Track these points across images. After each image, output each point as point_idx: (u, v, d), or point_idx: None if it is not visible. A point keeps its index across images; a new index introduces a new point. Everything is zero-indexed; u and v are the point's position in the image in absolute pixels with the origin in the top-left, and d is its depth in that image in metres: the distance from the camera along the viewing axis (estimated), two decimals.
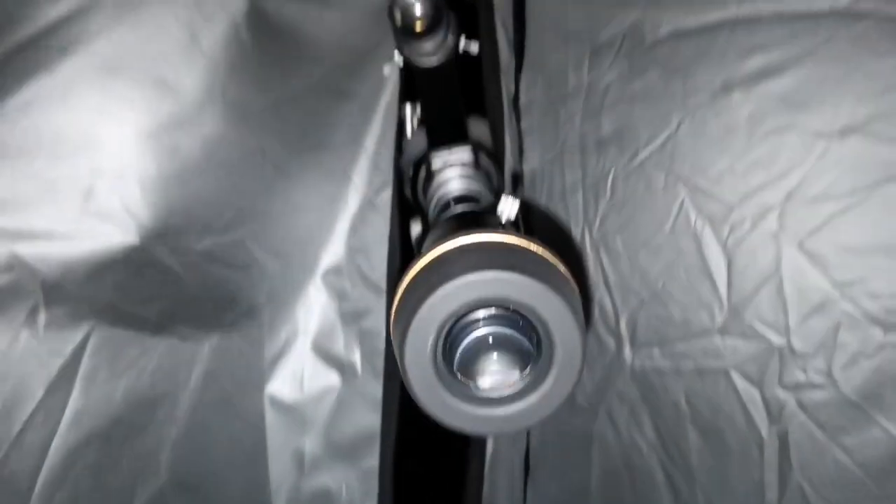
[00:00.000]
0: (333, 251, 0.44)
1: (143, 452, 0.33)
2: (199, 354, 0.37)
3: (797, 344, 0.34)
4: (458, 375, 0.24)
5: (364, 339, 0.45)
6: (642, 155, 0.39)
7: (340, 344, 0.45)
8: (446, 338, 0.23)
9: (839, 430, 0.33)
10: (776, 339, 0.34)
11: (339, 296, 0.44)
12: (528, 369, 0.24)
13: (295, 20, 0.36)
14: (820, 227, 0.32)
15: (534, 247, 0.25)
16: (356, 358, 0.45)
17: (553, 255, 0.25)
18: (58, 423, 0.30)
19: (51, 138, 0.29)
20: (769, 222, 0.33)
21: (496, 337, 0.23)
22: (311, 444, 0.43)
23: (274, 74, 0.37)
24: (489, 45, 0.42)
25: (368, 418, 0.45)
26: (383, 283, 0.45)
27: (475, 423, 0.24)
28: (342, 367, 0.45)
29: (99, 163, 0.30)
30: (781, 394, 0.34)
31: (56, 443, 0.30)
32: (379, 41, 0.39)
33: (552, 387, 0.24)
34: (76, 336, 0.31)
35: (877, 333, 0.31)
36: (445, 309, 0.22)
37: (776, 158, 0.33)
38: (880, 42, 0.29)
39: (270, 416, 0.42)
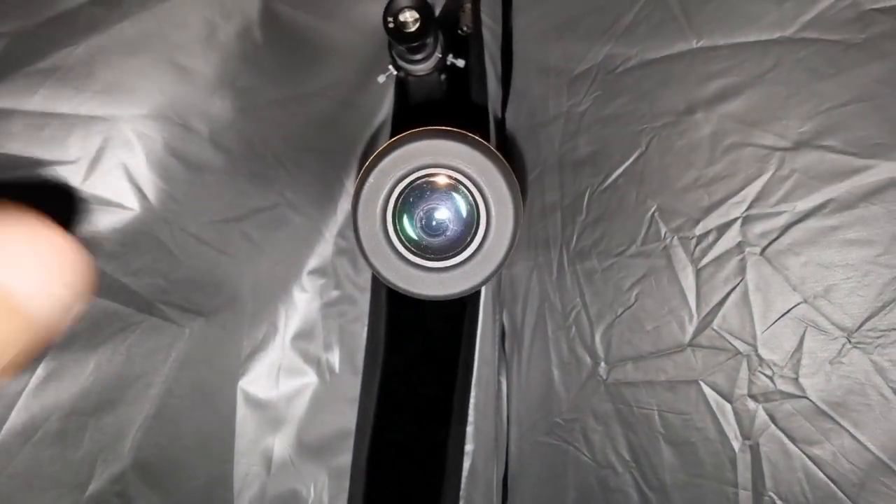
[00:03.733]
0: (320, 252, 0.45)
1: (109, 431, 0.33)
2: (179, 338, 0.37)
3: (764, 353, 0.34)
4: (407, 242, 0.26)
5: (345, 337, 0.46)
6: (615, 174, 0.41)
7: (320, 341, 0.45)
8: (395, 207, 0.26)
9: (810, 442, 0.32)
10: (743, 349, 0.34)
11: (323, 295, 0.45)
12: (466, 231, 0.27)
13: (304, 28, 0.40)
14: (780, 235, 0.33)
15: (472, 135, 0.27)
16: (335, 356, 0.45)
17: (500, 144, 0.28)
18: (23, 386, 0.30)
19: (67, 105, 0.31)
20: (733, 232, 0.35)
21: (437, 196, 0.26)
22: (280, 443, 0.42)
23: (282, 74, 0.40)
24: (478, 69, 0.46)
25: (343, 417, 0.44)
26: (367, 284, 0.46)
27: (419, 284, 0.25)
28: (320, 365, 0.45)
29: (109, 132, 0.32)
30: (751, 405, 0.34)
31: (20, 405, 0.29)
32: (380, 59, 0.43)
33: (488, 250, 0.26)
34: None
35: (841, 339, 0.31)
36: (392, 172, 0.25)
37: (736, 172, 0.35)
38: (822, 66, 0.32)
39: (242, 412, 0.41)
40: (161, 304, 0.36)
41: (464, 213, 0.26)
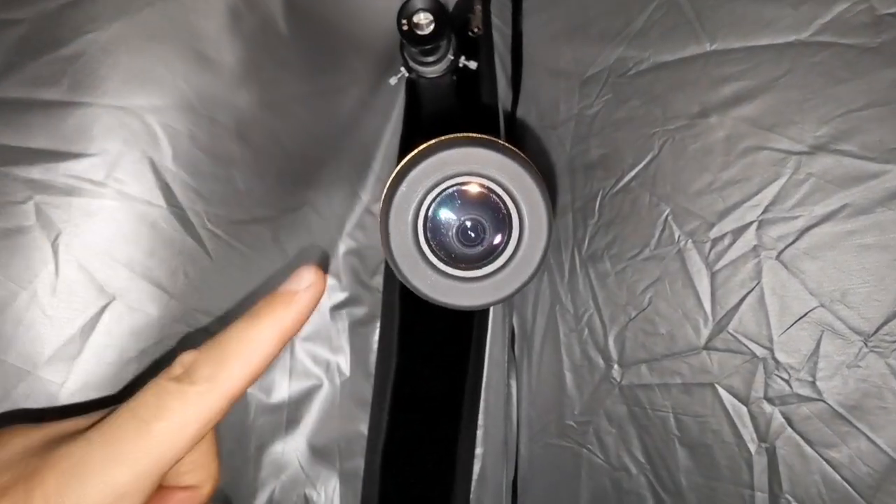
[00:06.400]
0: (329, 253, 0.45)
1: None
2: None
3: (781, 356, 0.34)
4: (438, 251, 0.26)
5: (355, 339, 0.45)
6: (627, 177, 0.41)
7: (331, 344, 0.44)
8: (426, 216, 0.26)
9: (826, 445, 0.32)
10: (760, 352, 0.35)
11: (331, 296, 0.44)
12: (499, 241, 0.27)
13: (325, 21, 0.39)
14: (796, 239, 0.33)
15: (502, 141, 0.27)
16: (345, 359, 0.45)
17: (519, 148, 0.28)
18: (47, 401, 0.29)
19: (90, 94, 0.30)
20: (748, 236, 0.35)
21: (469, 205, 0.26)
22: (290, 448, 0.42)
23: (306, 68, 0.39)
24: (488, 71, 0.46)
25: (353, 420, 0.43)
26: (378, 285, 0.45)
27: (450, 294, 0.25)
28: (329, 368, 0.44)
29: (134, 124, 0.31)
30: (768, 408, 0.34)
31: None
32: (396, 57, 0.42)
33: (521, 259, 0.26)
34: (89, 310, 0.30)
35: (858, 343, 0.32)
36: (424, 181, 0.25)
37: (751, 176, 0.35)
38: (838, 70, 0.32)
39: (250, 418, 0.41)
40: (197, 311, 0.34)
41: (496, 223, 0.26)
